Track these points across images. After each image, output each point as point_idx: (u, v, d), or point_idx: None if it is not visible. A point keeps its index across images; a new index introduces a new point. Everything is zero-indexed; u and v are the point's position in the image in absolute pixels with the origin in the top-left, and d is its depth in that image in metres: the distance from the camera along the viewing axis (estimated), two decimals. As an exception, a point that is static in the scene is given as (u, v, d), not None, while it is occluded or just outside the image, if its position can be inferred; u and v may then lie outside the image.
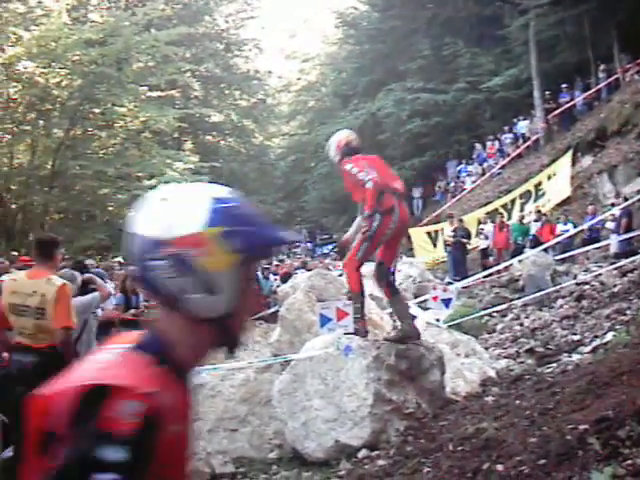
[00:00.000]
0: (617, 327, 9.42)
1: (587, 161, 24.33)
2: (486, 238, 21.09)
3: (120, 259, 17.75)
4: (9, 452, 5.94)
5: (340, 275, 11.57)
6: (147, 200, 1.71)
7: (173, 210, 1.65)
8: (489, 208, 25.30)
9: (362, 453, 6.65)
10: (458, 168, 32.74)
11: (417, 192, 35.41)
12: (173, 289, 1.63)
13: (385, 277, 7.70)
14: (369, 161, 7.99)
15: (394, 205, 7.52)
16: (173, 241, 1.61)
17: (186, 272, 1.62)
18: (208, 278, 1.63)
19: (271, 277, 16.50)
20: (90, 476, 1.35)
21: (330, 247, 35.26)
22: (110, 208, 26.51)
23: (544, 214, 20.80)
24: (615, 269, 13.25)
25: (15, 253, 16.90)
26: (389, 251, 7.73)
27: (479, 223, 22.57)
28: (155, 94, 28.00)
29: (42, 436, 1.46)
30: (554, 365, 8.69)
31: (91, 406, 1.41)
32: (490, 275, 16.60)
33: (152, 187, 25.36)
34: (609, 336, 9.12)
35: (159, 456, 1.46)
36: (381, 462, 6.29)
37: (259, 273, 16.96)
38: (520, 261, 15.91)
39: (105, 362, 1.54)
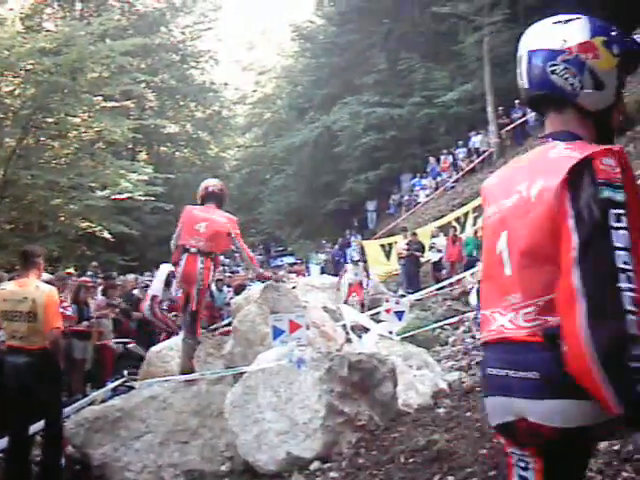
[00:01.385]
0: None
1: (539, 176, 24.64)
2: (439, 251, 21.19)
3: (71, 270, 17.52)
4: (3, 444, 6.89)
5: (294, 287, 11.57)
6: (541, 25, 2.42)
7: (565, 28, 2.32)
8: (442, 221, 25.47)
9: (314, 465, 6.62)
10: (412, 182, 32.97)
11: (371, 205, 35.65)
12: (569, 88, 2.28)
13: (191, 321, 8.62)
14: (184, 217, 8.89)
15: (179, 260, 8.57)
16: (569, 49, 2.27)
17: (580, 72, 2.26)
18: (596, 76, 2.26)
19: (225, 289, 16.37)
20: (607, 211, 2.01)
21: (285, 259, 35.21)
22: (62, 219, 26.15)
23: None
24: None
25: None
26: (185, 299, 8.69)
27: (432, 236, 22.67)
28: (110, 104, 27.69)
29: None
30: (505, 377, 8.73)
31: (588, 171, 2.07)
32: (443, 288, 16.70)
33: (105, 198, 25.17)
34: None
35: (634, 202, 2.10)
36: (333, 474, 6.27)
37: (213, 286, 16.86)
38: (472, 274, 16.04)
39: (561, 152, 2.21)
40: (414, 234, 21.29)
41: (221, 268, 14.91)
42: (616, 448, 4.44)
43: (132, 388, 8.69)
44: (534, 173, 2.24)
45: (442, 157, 31.37)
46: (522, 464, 2.28)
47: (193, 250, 8.50)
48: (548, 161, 2.22)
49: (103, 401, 8.74)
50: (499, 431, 2.38)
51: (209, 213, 8.75)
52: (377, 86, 35.98)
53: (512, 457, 2.33)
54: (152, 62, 41.16)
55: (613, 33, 2.29)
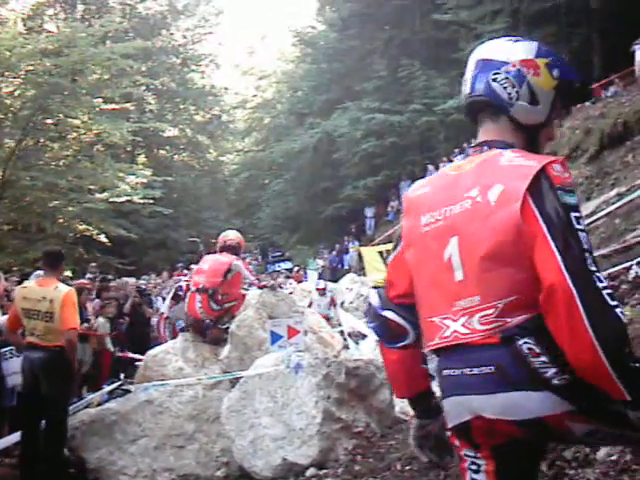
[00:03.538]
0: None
1: (538, 185, 24.63)
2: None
3: (69, 273, 17.49)
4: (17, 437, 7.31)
5: (291, 293, 11.57)
6: (494, 41, 2.58)
7: (515, 45, 2.49)
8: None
9: (310, 472, 6.61)
10: (411, 189, 32.87)
11: (370, 212, 35.63)
12: (506, 96, 2.42)
13: None
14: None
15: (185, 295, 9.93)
16: (513, 62, 2.43)
17: (519, 84, 2.41)
18: (533, 92, 2.42)
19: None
20: (569, 214, 2.12)
21: (282, 264, 35.19)
22: (60, 221, 26.05)
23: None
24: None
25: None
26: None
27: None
28: (109, 107, 27.61)
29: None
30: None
31: (544, 177, 2.17)
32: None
33: (103, 200, 25.11)
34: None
35: None
36: (329, 481, 6.27)
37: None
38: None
39: (512, 160, 2.30)
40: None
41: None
42: (614, 458, 4.42)
43: (128, 392, 8.67)
44: (487, 179, 2.30)
45: (441, 165, 31.23)
46: (474, 467, 2.31)
47: (193, 289, 9.35)
48: (501, 168, 2.30)
49: (99, 404, 8.72)
50: (455, 432, 2.39)
51: (218, 255, 9.82)
52: (377, 92, 35.98)
53: (465, 461, 2.35)
54: (153, 65, 41.04)
55: (556, 59, 2.49)
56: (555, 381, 2.13)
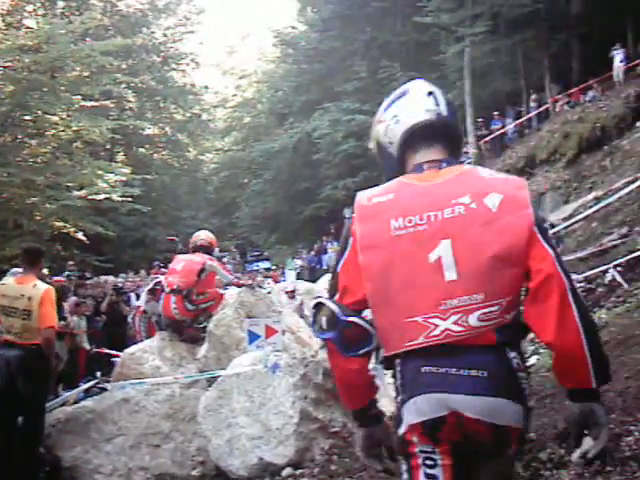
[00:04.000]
0: (540, 351, 9.56)
1: (516, 188, 24.78)
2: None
3: (45, 271, 17.34)
4: None
5: (269, 292, 11.55)
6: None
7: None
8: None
9: (286, 471, 6.61)
10: (390, 190, 32.90)
11: (349, 212, 35.33)
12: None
13: None
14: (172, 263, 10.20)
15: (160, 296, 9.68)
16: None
17: None
18: None
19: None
20: (543, 224, 2.42)
21: (260, 264, 35.14)
22: (38, 217, 25.82)
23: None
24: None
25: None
26: None
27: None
28: (89, 104, 27.38)
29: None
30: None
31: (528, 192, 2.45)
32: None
33: (82, 198, 24.92)
34: (532, 360, 9.23)
35: None
36: (305, 481, 6.27)
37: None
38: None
39: (492, 174, 2.55)
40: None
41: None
42: (588, 460, 4.44)
43: (105, 390, 8.62)
44: (476, 188, 2.46)
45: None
46: (430, 462, 2.36)
47: (167, 290, 9.36)
48: (488, 180, 2.50)
49: (75, 402, 8.67)
50: (420, 428, 2.38)
51: (191, 255, 9.85)
52: (357, 93, 36.04)
53: (418, 458, 2.38)
54: (133, 63, 40.84)
55: None
56: (528, 399, 2.38)
